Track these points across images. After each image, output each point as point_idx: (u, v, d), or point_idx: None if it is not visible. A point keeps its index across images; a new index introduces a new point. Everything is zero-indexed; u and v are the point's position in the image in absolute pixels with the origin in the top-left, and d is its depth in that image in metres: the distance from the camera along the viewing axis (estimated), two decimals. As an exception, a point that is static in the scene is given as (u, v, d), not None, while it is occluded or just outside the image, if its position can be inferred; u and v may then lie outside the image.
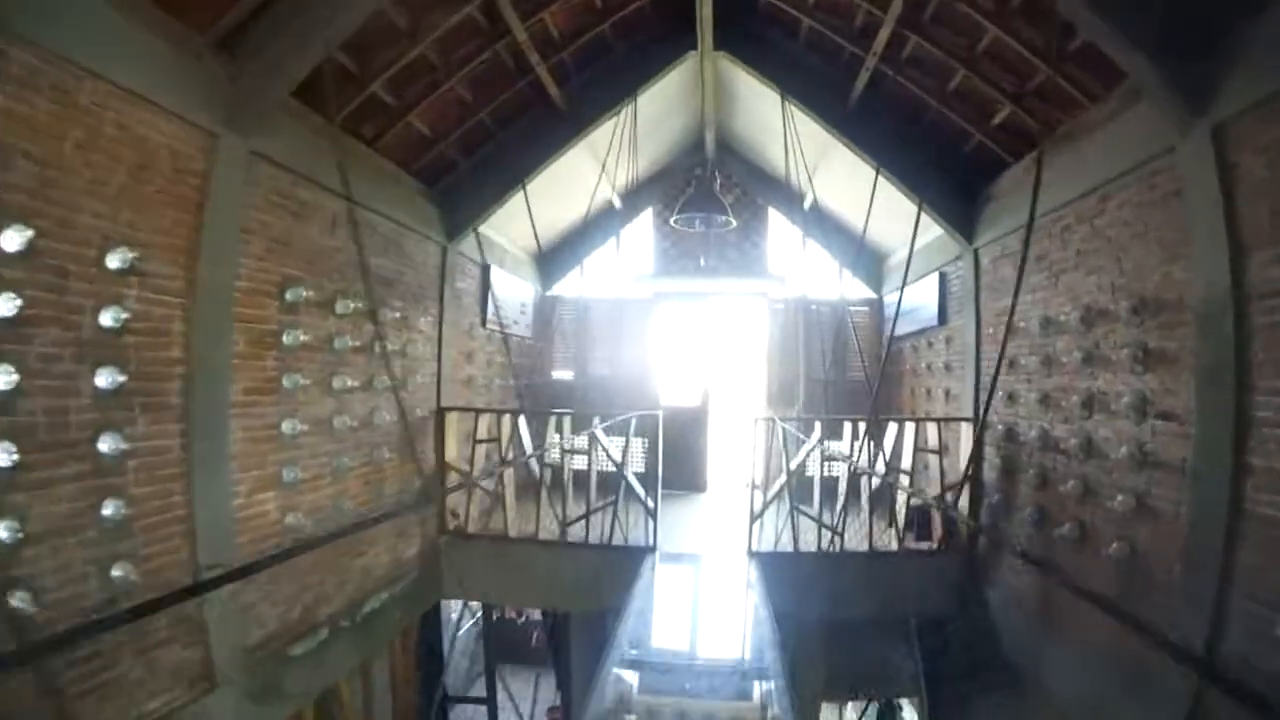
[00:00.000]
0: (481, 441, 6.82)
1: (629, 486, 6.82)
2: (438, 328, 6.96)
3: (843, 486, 6.80)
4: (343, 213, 5.33)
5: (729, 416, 11.04)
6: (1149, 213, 4.42)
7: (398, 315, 6.16)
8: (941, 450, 6.50)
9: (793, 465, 6.76)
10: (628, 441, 6.88)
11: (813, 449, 6.87)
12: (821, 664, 6.72)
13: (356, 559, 5.49)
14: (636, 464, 7.45)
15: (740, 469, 10.48)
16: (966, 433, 6.55)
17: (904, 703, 8.12)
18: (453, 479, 6.81)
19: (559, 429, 7.24)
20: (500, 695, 9.06)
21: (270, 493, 4.62)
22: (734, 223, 7.84)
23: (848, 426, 7.12)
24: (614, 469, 6.81)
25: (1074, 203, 5.17)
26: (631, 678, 6.68)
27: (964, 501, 6.46)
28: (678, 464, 9.76)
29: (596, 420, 6.97)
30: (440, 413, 6.77)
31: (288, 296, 4.74)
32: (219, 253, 4.15)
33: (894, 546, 6.53)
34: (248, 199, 4.39)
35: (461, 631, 9.91)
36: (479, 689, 9.51)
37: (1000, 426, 6.21)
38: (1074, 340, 5.16)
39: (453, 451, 6.88)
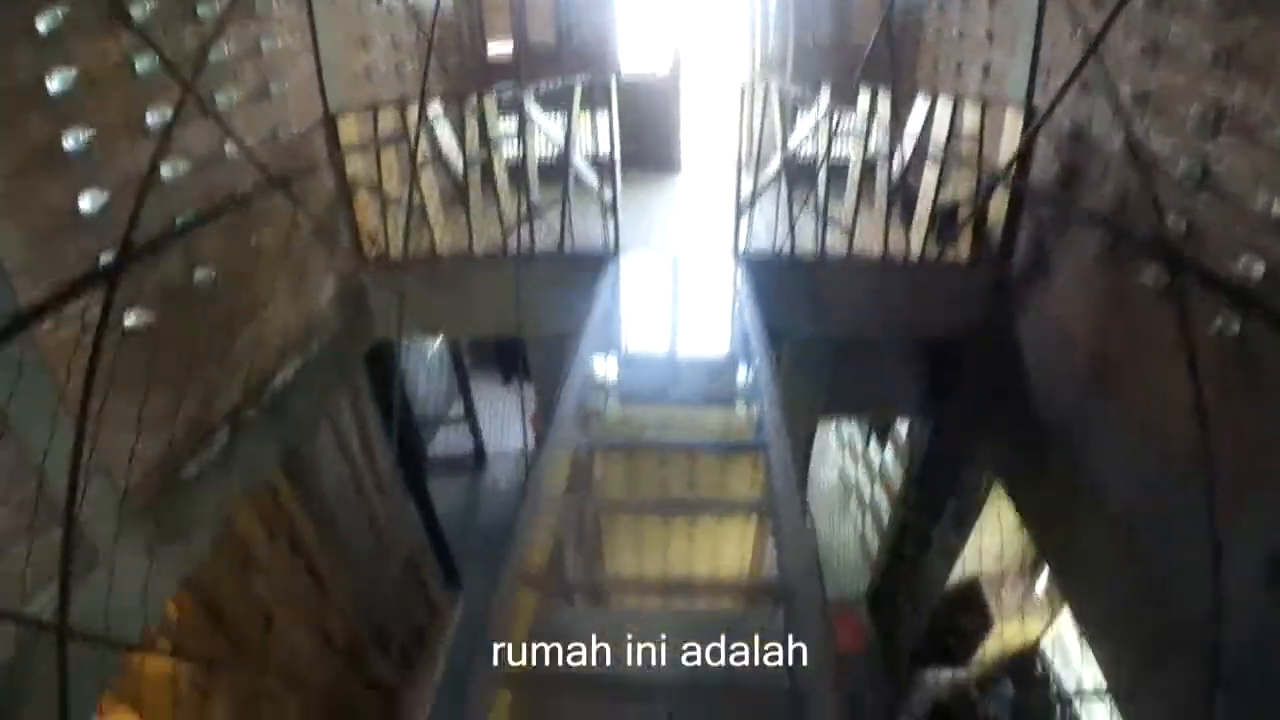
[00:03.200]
0: (390, 144, 5.31)
1: (578, 176, 5.51)
2: (306, 5, 5.05)
3: (854, 175, 5.47)
4: None
5: (706, 85, 9.26)
6: None
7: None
8: (981, 140, 5.07)
9: (791, 144, 5.36)
10: (571, 118, 5.31)
11: (818, 124, 5.38)
12: (819, 380, 5.98)
13: (244, 331, 4.34)
14: (589, 147, 6.06)
15: (722, 146, 9.03)
16: (1013, 122, 5.07)
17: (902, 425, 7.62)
18: (362, 200, 5.44)
19: (479, 112, 5.47)
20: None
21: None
22: None
23: (863, 99, 5.53)
24: (560, 160, 5.44)
25: None
26: (607, 379, 6.02)
27: (1000, 205, 5.21)
28: (644, 140, 8.28)
29: (529, 95, 5.38)
30: (330, 119, 5.16)
31: (41, 26, 2.96)
32: None
33: (912, 253, 5.41)
34: None
35: (431, 353, 9.22)
36: (460, 408, 9.10)
37: (1065, 121, 4.71)
38: (1201, 26, 3.50)
39: (356, 165, 5.39)
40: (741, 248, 5.56)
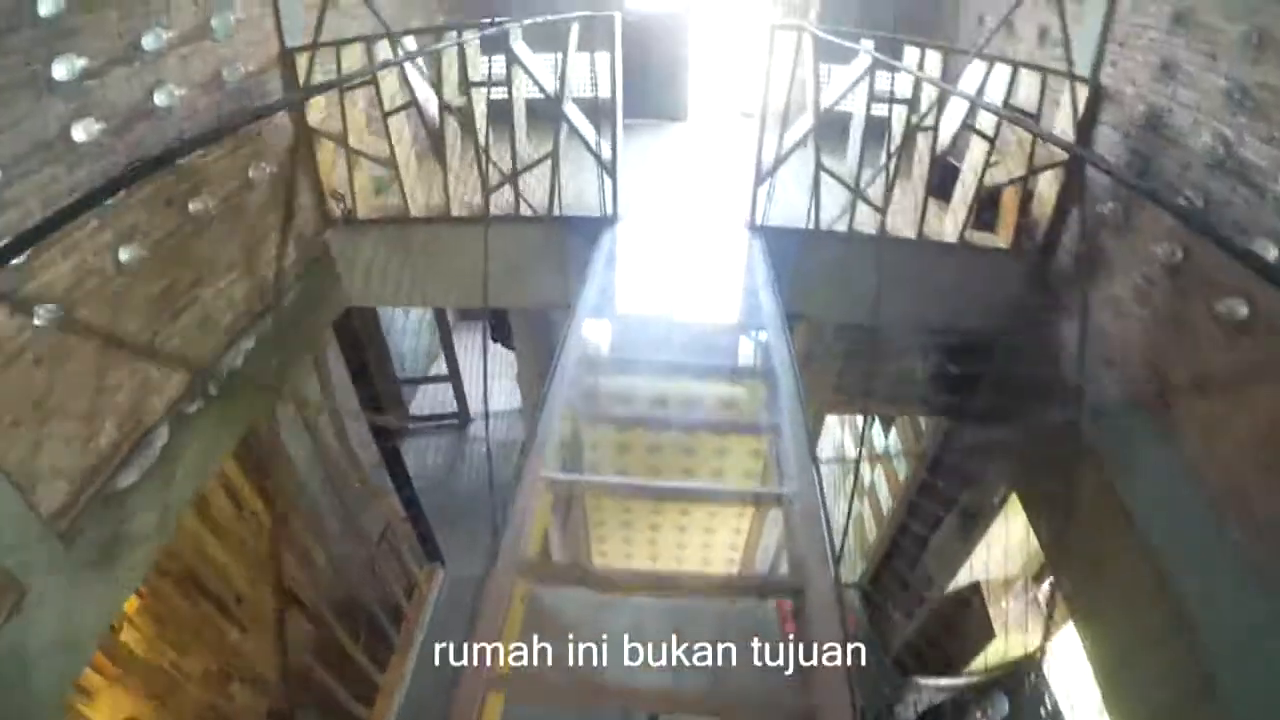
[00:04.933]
0: (354, 86, 4.41)
1: (572, 128, 4.59)
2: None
3: (892, 142, 4.62)
4: None
5: (718, 25, 8.18)
6: None
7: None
8: (1038, 116, 4.24)
9: (824, 103, 4.47)
10: (565, 60, 4.37)
11: (859, 80, 4.45)
12: (830, 369, 5.25)
13: (184, 312, 3.57)
14: (587, 92, 5.17)
15: (732, 94, 8.05)
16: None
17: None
18: (326, 151, 4.57)
19: (459, 51, 4.39)
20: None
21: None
22: None
23: (911, 55, 4.60)
24: (552, 103, 4.49)
25: None
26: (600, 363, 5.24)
27: (1050, 192, 4.40)
28: (648, 84, 7.20)
29: (517, 32, 4.35)
30: (287, 55, 4.23)
31: None
32: None
33: (948, 236, 4.62)
34: None
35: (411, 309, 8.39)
36: (441, 366, 8.32)
37: (1139, 106, 3.86)
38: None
39: (319, 112, 4.50)
40: (759, 218, 4.72)
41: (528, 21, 4.22)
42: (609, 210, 4.66)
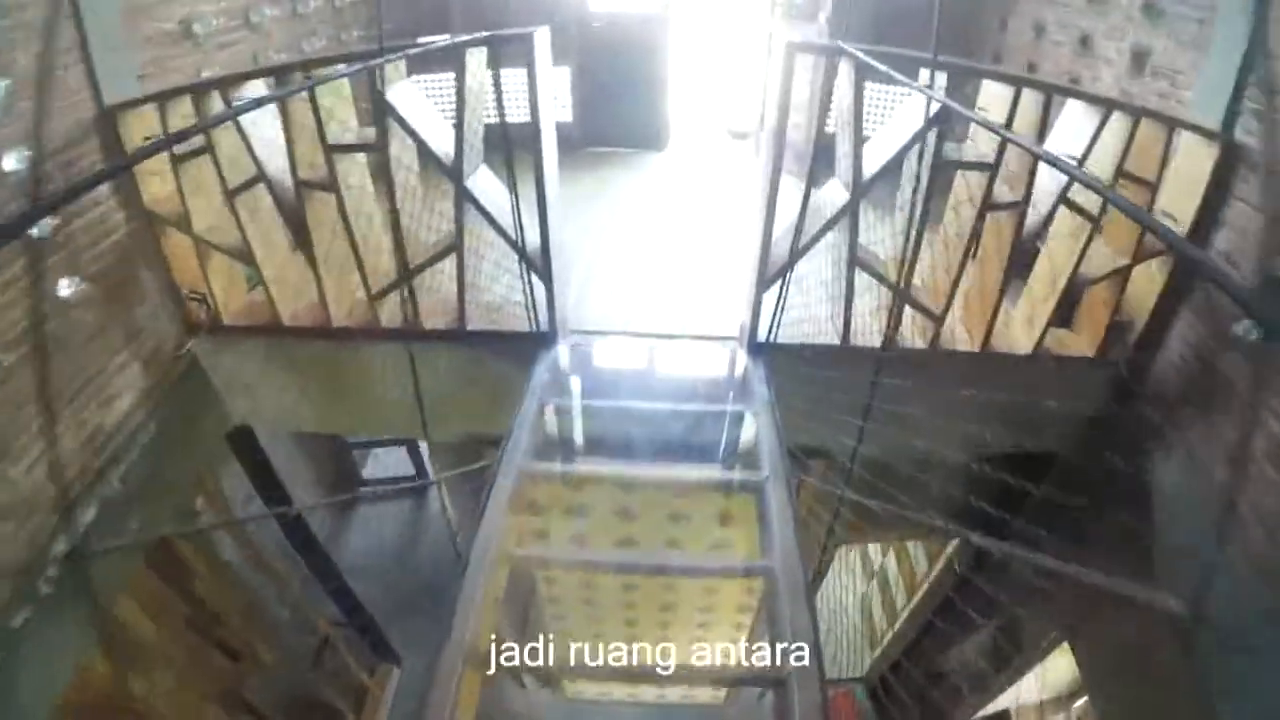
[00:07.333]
0: (188, 158, 2.88)
1: (479, 210, 2.91)
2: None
3: (956, 223, 3.07)
4: None
5: (703, 29, 6.56)
6: None
7: None
8: (1158, 183, 2.77)
9: (870, 166, 2.84)
10: (462, 110, 2.72)
11: (920, 136, 2.73)
12: (844, 500, 3.81)
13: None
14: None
15: (727, 109, 6.43)
16: (1195, 159, 2.74)
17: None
18: (177, 242, 3.08)
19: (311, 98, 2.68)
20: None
21: None
22: None
23: (989, 96, 2.87)
24: (469, 172, 2.85)
25: None
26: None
27: (1151, 285, 2.96)
28: (619, 104, 5.57)
29: (394, 69, 2.71)
30: (107, 116, 2.68)
31: None
32: None
33: (1020, 341, 3.17)
34: None
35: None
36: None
37: None
38: None
39: (165, 185, 2.99)
40: (764, 334, 3.16)
41: (396, 54, 2.60)
42: (545, 323, 3.08)
